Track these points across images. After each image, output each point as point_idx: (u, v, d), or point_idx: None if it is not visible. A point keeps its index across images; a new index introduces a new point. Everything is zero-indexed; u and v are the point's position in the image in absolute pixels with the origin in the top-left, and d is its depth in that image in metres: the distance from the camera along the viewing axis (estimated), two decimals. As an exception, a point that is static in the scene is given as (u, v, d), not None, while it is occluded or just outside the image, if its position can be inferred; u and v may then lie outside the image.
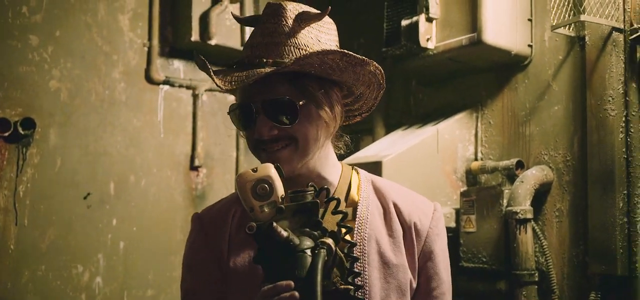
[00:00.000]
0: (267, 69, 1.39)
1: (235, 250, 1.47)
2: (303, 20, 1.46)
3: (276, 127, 1.41)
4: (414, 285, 1.50)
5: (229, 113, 1.47)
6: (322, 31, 1.49)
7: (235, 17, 1.56)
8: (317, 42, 1.46)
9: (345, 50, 1.41)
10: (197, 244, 1.54)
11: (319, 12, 1.48)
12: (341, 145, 1.58)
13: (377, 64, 1.48)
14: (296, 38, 1.45)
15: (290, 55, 1.42)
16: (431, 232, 1.52)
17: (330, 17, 1.55)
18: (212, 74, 1.39)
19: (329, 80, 1.47)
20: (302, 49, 1.44)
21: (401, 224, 1.50)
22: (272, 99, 1.41)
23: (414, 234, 1.49)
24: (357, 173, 1.57)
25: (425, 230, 1.51)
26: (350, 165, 1.60)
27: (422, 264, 1.51)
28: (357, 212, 1.48)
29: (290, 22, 1.46)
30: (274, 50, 1.42)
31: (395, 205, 1.52)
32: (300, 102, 1.42)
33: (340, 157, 1.62)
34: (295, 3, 1.50)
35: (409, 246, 1.49)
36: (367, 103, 1.59)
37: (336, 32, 1.54)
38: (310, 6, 1.51)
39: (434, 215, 1.54)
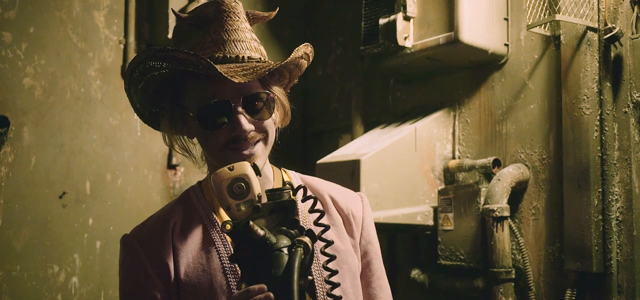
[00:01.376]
0: (264, 66, 1.43)
1: (184, 261, 1.45)
2: (253, 19, 1.54)
3: (254, 123, 1.44)
4: (360, 268, 1.60)
5: (196, 113, 1.44)
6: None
7: (177, 14, 1.55)
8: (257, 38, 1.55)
9: (308, 44, 1.53)
10: (136, 268, 1.46)
11: (265, 14, 1.56)
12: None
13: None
14: (253, 35, 1.51)
15: (257, 52, 1.49)
16: (366, 219, 1.64)
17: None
18: (216, 67, 1.37)
19: (281, 77, 1.55)
20: (257, 46, 1.50)
21: (339, 213, 1.60)
22: (254, 94, 1.44)
23: (353, 221, 1.60)
24: (286, 173, 1.64)
25: (360, 218, 1.62)
26: (275, 166, 1.65)
27: (364, 249, 1.61)
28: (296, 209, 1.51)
29: (245, 19, 1.51)
30: (244, 47, 1.46)
31: (331, 198, 1.62)
32: (273, 98, 1.48)
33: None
34: (235, 1, 1.53)
35: (350, 233, 1.59)
36: (292, 82, 1.66)
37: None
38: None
39: (363, 202, 1.66)
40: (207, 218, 1.50)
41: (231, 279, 1.41)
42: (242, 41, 1.46)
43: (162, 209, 1.58)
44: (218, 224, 1.48)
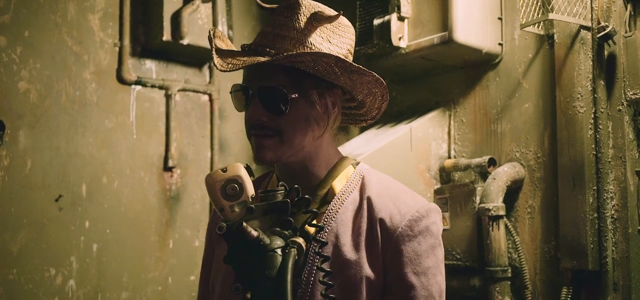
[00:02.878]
0: (261, 58, 1.43)
1: (218, 247, 1.66)
2: (315, 19, 1.48)
3: (266, 115, 1.45)
4: (375, 280, 1.43)
5: (230, 93, 1.54)
6: (335, 33, 1.51)
7: (260, 5, 1.58)
8: (328, 43, 1.48)
9: (339, 56, 1.42)
10: (208, 233, 1.76)
11: (332, 14, 1.50)
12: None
13: (377, 76, 1.51)
14: (304, 35, 1.47)
15: (294, 50, 1.44)
16: (403, 231, 1.43)
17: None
18: (214, 52, 1.46)
19: (329, 82, 1.49)
20: (308, 47, 1.46)
21: (368, 218, 1.47)
22: (267, 86, 1.45)
23: (379, 229, 1.45)
24: (354, 168, 1.58)
25: (395, 229, 1.44)
26: (355, 161, 1.60)
27: (389, 264, 1.44)
28: (329, 206, 1.50)
29: (303, 18, 1.49)
30: (279, 43, 1.46)
31: (368, 199, 1.49)
32: (293, 95, 1.45)
33: None
34: (313, 1, 1.52)
35: (371, 241, 1.45)
36: (370, 111, 1.62)
37: (352, 36, 1.56)
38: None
39: (413, 215, 1.45)
40: None
41: None
42: (284, 37, 1.46)
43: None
44: None
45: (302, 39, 1.46)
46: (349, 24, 1.57)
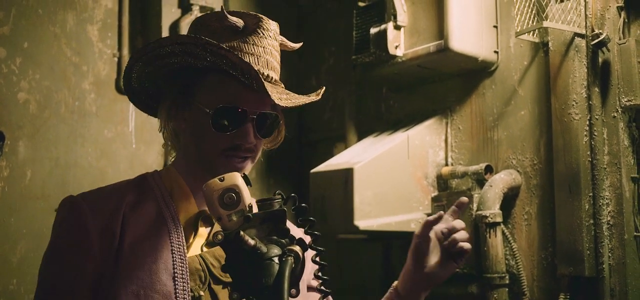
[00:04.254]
0: (303, 98, 1.53)
1: (133, 231, 1.44)
2: (281, 44, 1.58)
3: (257, 138, 1.50)
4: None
5: (215, 110, 1.46)
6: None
7: (225, 12, 1.52)
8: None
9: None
10: (77, 227, 1.44)
11: (292, 45, 1.61)
12: None
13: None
14: (280, 61, 1.57)
15: (278, 76, 1.55)
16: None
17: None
18: (265, 86, 1.41)
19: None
20: (279, 72, 1.57)
21: None
22: (268, 113, 1.50)
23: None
24: None
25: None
26: None
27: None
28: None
29: (278, 44, 1.56)
30: (272, 68, 1.52)
31: None
32: (281, 121, 1.56)
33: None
34: (269, 20, 1.56)
35: None
36: None
37: None
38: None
39: None
40: (162, 200, 1.50)
41: (177, 259, 1.42)
42: (272, 61, 1.52)
43: (117, 183, 1.57)
44: (173, 207, 1.49)
45: (279, 65, 1.56)
46: None
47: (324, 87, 1.63)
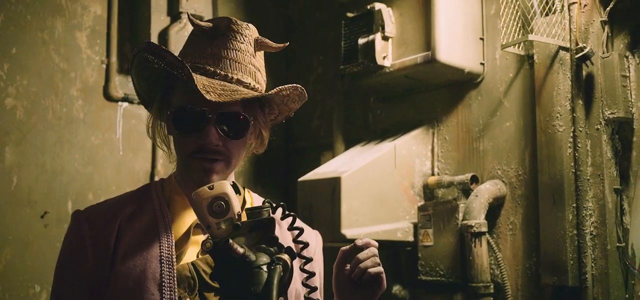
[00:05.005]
0: (244, 90, 1.46)
1: (126, 242, 1.47)
2: (259, 45, 1.54)
3: (222, 139, 1.47)
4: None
5: (173, 112, 1.49)
6: (262, 57, 1.59)
7: (193, 22, 1.56)
8: (262, 65, 1.57)
9: (299, 86, 1.55)
10: (75, 241, 1.50)
11: (275, 45, 1.57)
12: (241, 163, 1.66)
13: (306, 96, 1.61)
14: (255, 61, 1.54)
15: (248, 76, 1.51)
16: (318, 252, 1.70)
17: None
18: (193, 76, 1.41)
19: (268, 104, 1.57)
20: (255, 72, 1.53)
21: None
22: (230, 112, 1.47)
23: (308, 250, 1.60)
24: (249, 193, 1.66)
25: (316, 250, 1.69)
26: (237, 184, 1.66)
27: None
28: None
29: (251, 42, 1.53)
30: (236, 68, 1.49)
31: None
32: (251, 121, 1.50)
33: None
34: (246, 23, 1.57)
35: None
36: (278, 120, 1.69)
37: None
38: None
39: (317, 240, 1.72)
40: (159, 210, 1.52)
41: (165, 269, 1.43)
42: (238, 62, 1.49)
43: (122, 195, 1.61)
44: (168, 217, 1.50)
45: (254, 65, 1.52)
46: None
47: (287, 86, 1.56)
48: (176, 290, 1.42)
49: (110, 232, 1.48)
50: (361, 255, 1.48)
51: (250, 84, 1.50)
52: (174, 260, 1.45)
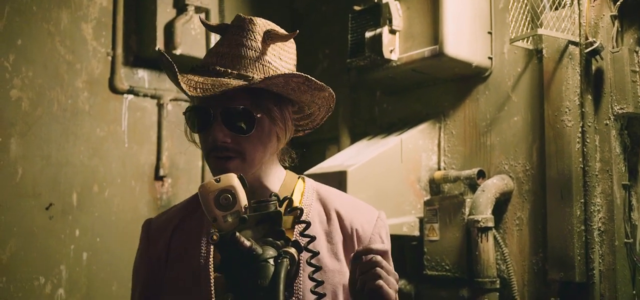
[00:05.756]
0: (233, 82, 1.42)
1: (173, 254, 1.55)
2: (270, 38, 1.51)
3: (230, 136, 1.45)
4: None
5: (184, 113, 1.51)
6: (284, 50, 1.54)
7: (204, 23, 1.58)
8: (279, 60, 1.51)
9: (308, 76, 1.46)
10: (140, 251, 1.62)
11: (286, 33, 1.53)
12: (286, 158, 1.64)
13: (332, 91, 1.56)
14: (261, 54, 1.49)
15: (255, 70, 1.47)
16: (373, 237, 1.57)
17: (296, 27, 1.60)
18: (178, 76, 1.42)
19: (284, 97, 1.52)
20: (265, 66, 1.49)
21: (342, 230, 1.56)
22: (232, 107, 1.44)
23: (355, 239, 1.55)
24: (304, 182, 1.64)
25: (367, 236, 1.56)
26: (298, 175, 1.66)
27: None
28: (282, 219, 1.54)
29: (258, 37, 1.50)
30: (239, 63, 1.46)
31: (337, 213, 1.58)
32: (258, 115, 1.46)
33: (299, 169, 1.69)
34: (264, 20, 1.54)
35: (350, 251, 1.52)
36: (314, 121, 1.67)
37: (295, 52, 1.60)
38: (278, 20, 1.56)
39: (377, 222, 1.59)
40: (203, 214, 1.52)
41: (203, 274, 1.47)
42: (242, 57, 1.47)
43: (183, 201, 1.67)
44: (208, 221, 1.51)
45: (259, 58, 1.48)
46: (293, 40, 1.59)
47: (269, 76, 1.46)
48: (213, 292, 1.44)
49: (164, 247, 1.56)
50: (361, 266, 1.36)
51: (252, 77, 1.45)
52: (210, 265, 1.47)
